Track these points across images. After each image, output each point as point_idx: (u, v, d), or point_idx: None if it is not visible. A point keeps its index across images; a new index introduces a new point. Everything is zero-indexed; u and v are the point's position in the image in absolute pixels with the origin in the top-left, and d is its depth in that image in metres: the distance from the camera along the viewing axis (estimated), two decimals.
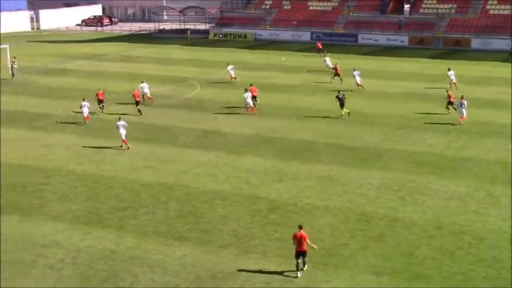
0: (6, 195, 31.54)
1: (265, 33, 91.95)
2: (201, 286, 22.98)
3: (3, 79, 61.39)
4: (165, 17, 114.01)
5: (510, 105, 49.02)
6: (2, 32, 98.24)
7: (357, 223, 28.17)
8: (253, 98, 48.08)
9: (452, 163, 36.16)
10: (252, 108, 47.36)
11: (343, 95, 46.71)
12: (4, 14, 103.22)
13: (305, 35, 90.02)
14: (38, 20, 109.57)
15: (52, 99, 52.32)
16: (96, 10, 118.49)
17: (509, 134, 41.46)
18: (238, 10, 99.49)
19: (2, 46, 66.75)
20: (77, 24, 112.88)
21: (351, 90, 53.47)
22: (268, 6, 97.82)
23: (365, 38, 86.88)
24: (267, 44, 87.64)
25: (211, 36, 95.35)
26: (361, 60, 72.65)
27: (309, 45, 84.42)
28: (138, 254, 25.34)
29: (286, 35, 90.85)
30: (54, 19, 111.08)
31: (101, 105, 48.02)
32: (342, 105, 46.28)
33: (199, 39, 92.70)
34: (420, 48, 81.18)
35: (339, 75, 58.07)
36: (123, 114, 44.51)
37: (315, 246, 24.10)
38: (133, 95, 47.82)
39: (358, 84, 55.27)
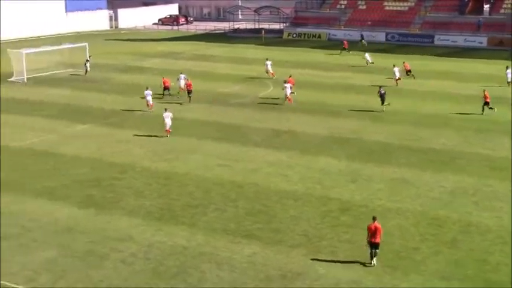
0: (83, 189, 32.41)
1: (340, 33, 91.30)
2: (269, 285, 23.04)
3: (78, 75, 63.11)
4: (240, 17, 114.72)
5: None
6: (83, 30, 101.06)
7: (428, 227, 27.70)
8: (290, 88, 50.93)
9: None
10: (289, 98, 50.14)
11: (385, 91, 48.26)
12: (85, 13, 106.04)
13: (380, 36, 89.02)
14: (116, 19, 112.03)
15: (128, 96, 53.38)
16: (172, 9, 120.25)
17: None
18: (313, 10, 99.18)
19: (81, 44, 68.69)
20: (154, 23, 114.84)
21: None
22: (343, 6, 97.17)
23: (442, 39, 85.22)
24: (341, 44, 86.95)
25: (285, 35, 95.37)
26: (437, 61, 71.44)
27: (383, 46, 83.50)
28: (208, 250, 25.61)
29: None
30: (132, 18, 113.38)
31: (166, 92, 51.99)
32: (383, 101, 48.01)
33: (273, 38, 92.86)
34: (499, 49, 79.01)
35: (410, 71, 59.79)
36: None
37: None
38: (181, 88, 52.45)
39: (396, 79, 57.15)
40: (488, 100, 46.14)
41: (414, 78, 59.29)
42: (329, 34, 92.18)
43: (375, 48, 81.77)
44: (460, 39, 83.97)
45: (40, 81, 61.02)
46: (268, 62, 61.90)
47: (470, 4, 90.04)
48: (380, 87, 49.44)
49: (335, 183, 33.14)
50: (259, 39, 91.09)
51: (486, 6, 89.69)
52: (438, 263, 24.56)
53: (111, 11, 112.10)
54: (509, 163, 35.77)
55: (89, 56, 66.07)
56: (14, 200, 30.89)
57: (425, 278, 23.47)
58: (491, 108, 46.24)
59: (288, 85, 50.50)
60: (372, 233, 24.16)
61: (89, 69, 63.87)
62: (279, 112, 48.30)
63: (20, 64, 61.09)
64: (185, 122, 45.13)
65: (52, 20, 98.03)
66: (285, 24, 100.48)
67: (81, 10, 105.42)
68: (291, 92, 50.63)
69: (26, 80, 60.51)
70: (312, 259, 24.85)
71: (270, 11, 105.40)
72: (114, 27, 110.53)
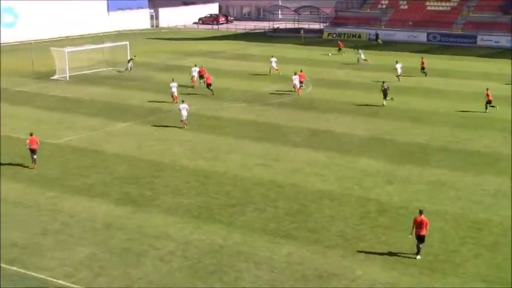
0: (121, 186, 32.69)
1: (380, 34, 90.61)
2: (306, 285, 22.95)
3: (120, 73, 63.76)
4: (280, 16, 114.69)
5: None
6: (125, 29, 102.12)
7: (468, 230, 27.29)
8: (300, 82, 54.52)
9: None
10: (298, 89, 53.95)
11: (388, 86, 49.75)
12: (126, 12, 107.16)
13: (421, 36, 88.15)
14: (157, 18, 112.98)
15: (168, 95, 53.70)
16: (212, 9, 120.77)
17: None
18: (354, 10, 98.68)
19: (122, 43, 69.40)
20: (194, 22, 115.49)
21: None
22: (384, 6, 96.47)
23: (484, 39, 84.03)
24: (381, 44, 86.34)
25: (324, 35, 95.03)
26: (479, 62, 70.48)
27: (424, 46, 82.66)
28: (245, 250, 25.60)
29: (401, 35, 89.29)
30: (172, 17, 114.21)
31: (202, 81, 55.79)
32: (385, 95, 49.54)
33: (313, 38, 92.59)
34: None
35: (424, 69, 61.81)
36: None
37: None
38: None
39: (398, 76, 58.71)
40: (490, 99, 47.14)
41: (426, 75, 60.88)
42: (369, 34, 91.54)
43: (416, 48, 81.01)
44: (503, 40, 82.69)
45: (82, 79, 61.78)
46: (273, 59, 63.82)
47: None
48: (383, 82, 50.97)
49: (373, 184, 32.88)
50: (298, 39, 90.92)
51: None
52: (478, 266, 24.18)
53: (152, 10, 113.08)
54: None
55: (134, 56, 66.87)
56: (54, 196, 31.31)
57: (463, 280, 23.12)
58: (492, 106, 47.15)
59: (296, 77, 53.98)
60: (418, 225, 24.61)
61: (131, 67, 64.59)
62: (318, 112, 48.13)
63: (63, 62, 61.95)
64: (223, 121, 45.28)
65: (94, 19, 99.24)
66: (324, 24, 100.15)
67: (122, 9, 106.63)
68: (300, 86, 54.46)
69: (68, 78, 61.32)
70: (349, 260, 24.68)
71: (310, 11, 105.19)
72: (155, 26, 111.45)
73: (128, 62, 65.34)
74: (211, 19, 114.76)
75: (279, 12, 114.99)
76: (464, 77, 60.19)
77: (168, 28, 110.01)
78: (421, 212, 24.96)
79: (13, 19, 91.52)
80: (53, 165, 36.19)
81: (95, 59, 68.83)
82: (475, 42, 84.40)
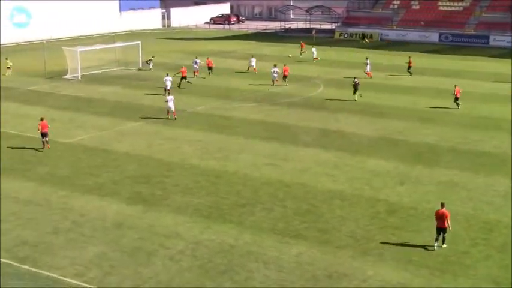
0: (132, 185, 32.80)
1: (392, 34, 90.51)
2: (316, 285, 22.94)
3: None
4: (292, 16, 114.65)
5: None
6: (136, 29, 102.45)
7: (479, 231, 27.21)
8: (285, 77, 57.45)
9: None
10: (277, 80, 57.23)
11: (358, 82, 51.71)
12: (138, 12, 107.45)
13: (433, 36, 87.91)
14: (169, 18, 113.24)
15: (177, 95, 53.74)
16: (224, 9, 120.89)
17: None
18: (365, 10, 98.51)
19: (134, 43, 69.64)
20: (206, 22, 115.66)
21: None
22: (396, 6, 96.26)
23: (497, 39, 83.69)
24: (393, 44, 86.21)
25: (336, 35, 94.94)
26: (491, 62, 70.22)
27: (436, 47, 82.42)
28: (255, 249, 25.62)
29: (413, 35, 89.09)
30: (184, 17, 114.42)
31: (210, 72, 61.59)
32: (355, 90, 51.31)
33: (324, 38, 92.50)
34: None
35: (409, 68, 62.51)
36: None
37: (451, 228, 25.48)
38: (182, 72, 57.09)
39: (366, 73, 60.62)
40: (458, 96, 48.01)
41: (411, 75, 61.74)
42: (381, 34, 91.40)
43: (428, 49, 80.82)
44: None
45: (93, 78, 62.00)
46: (253, 59, 65.33)
47: None
48: (354, 77, 52.81)
49: (383, 184, 32.83)
50: (310, 39, 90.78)
51: None
52: (489, 267, 24.10)
53: (164, 10, 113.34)
54: None
55: (152, 56, 67.39)
56: (65, 195, 31.44)
57: (474, 282, 23.05)
58: (458, 103, 48.05)
59: (275, 69, 57.25)
60: (439, 217, 25.24)
61: (152, 66, 65.68)
62: (328, 112, 48.10)
63: (75, 62, 62.20)
64: (234, 121, 45.35)
65: (106, 19, 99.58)
66: (336, 24, 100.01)
67: (134, 9, 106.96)
68: (284, 79, 57.43)
69: (80, 78, 61.57)
70: (359, 260, 24.66)
71: (322, 11, 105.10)
72: (166, 26, 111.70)
73: (148, 62, 66.18)
74: (223, 19, 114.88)
75: (291, 12, 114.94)
76: (476, 77, 59.94)
77: (180, 28, 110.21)
78: (442, 205, 25.55)
79: (25, 19, 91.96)
80: (64, 164, 36.35)
81: (107, 59, 69.09)
82: (488, 43, 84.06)
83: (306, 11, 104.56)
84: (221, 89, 55.86)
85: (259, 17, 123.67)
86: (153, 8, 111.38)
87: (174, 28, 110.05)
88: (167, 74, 53.86)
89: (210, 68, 62.91)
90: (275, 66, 58.23)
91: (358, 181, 33.29)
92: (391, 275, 23.51)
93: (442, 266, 24.12)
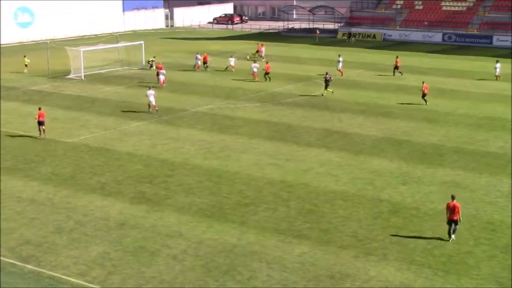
0: (135, 185, 32.81)
1: (395, 34, 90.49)
2: (318, 285, 22.93)
3: (133, 73, 64.04)
4: (295, 16, 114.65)
5: None
6: (140, 28, 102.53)
7: (482, 231, 27.17)
8: (267, 73, 59.24)
9: None
10: (255, 74, 59.60)
11: (330, 77, 53.17)
12: (142, 12, 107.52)
13: (436, 36, 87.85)
14: (172, 18, 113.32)
15: (180, 94, 53.88)
16: (227, 8, 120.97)
17: None
18: (368, 10, 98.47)
19: (137, 43, 69.70)
20: (209, 22, 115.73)
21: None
22: (399, 6, 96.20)
23: (501, 39, 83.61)
24: (396, 44, 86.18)
25: (339, 35, 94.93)
26: (495, 63, 69.95)
27: (439, 47, 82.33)
28: (258, 249, 25.61)
29: (416, 35, 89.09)
30: (187, 17, 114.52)
31: (205, 66, 65.46)
32: (326, 86, 52.85)
33: (328, 38, 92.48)
34: None
35: (397, 69, 63.07)
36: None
37: (461, 219, 26.27)
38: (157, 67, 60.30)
39: (339, 69, 62.23)
40: (425, 92, 48.99)
41: (402, 74, 62.05)
42: (384, 34, 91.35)
43: (431, 49, 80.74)
44: None
45: (97, 78, 62.05)
46: (232, 59, 66.49)
47: None
48: (326, 73, 54.25)
49: (386, 184, 32.80)
50: (313, 38, 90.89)
51: None
52: (492, 267, 24.06)
53: (167, 10, 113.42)
54: None
55: (154, 56, 67.47)
56: (68, 195, 31.47)
57: (477, 282, 23.01)
58: (425, 100, 49.17)
59: (255, 65, 60.26)
60: (451, 210, 25.78)
61: (154, 67, 65.40)
62: (331, 112, 48.09)
63: (78, 61, 62.26)
64: (236, 121, 45.34)
65: (110, 19, 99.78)
66: (339, 24, 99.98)
67: (138, 9, 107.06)
68: (267, 76, 59.04)
69: (83, 77, 61.62)
70: (362, 260, 24.64)
71: (325, 11, 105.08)
72: (170, 26, 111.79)
73: (149, 62, 66.32)
74: (226, 19, 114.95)
75: (294, 12, 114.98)
76: (479, 77, 59.85)
77: (183, 28, 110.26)
78: (453, 198, 26.01)
79: (29, 19, 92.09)
80: (67, 163, 36.38)
81: (110, 59, 69.16)
82: (491, 43, 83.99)
83: (309, 11, 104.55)
84: (224, 89, 55.83)
85: (263, 17, 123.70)
86: (157, 8, 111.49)
87: (178, 28, 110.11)
88: (149, 88, 48.82)
89: (205, 63, 66.04)
90: (255, 62, 62.33)
91: (361, 181, 33.27)
92: (394, 275, 23.48)
93: (445, 266, 24.09)
